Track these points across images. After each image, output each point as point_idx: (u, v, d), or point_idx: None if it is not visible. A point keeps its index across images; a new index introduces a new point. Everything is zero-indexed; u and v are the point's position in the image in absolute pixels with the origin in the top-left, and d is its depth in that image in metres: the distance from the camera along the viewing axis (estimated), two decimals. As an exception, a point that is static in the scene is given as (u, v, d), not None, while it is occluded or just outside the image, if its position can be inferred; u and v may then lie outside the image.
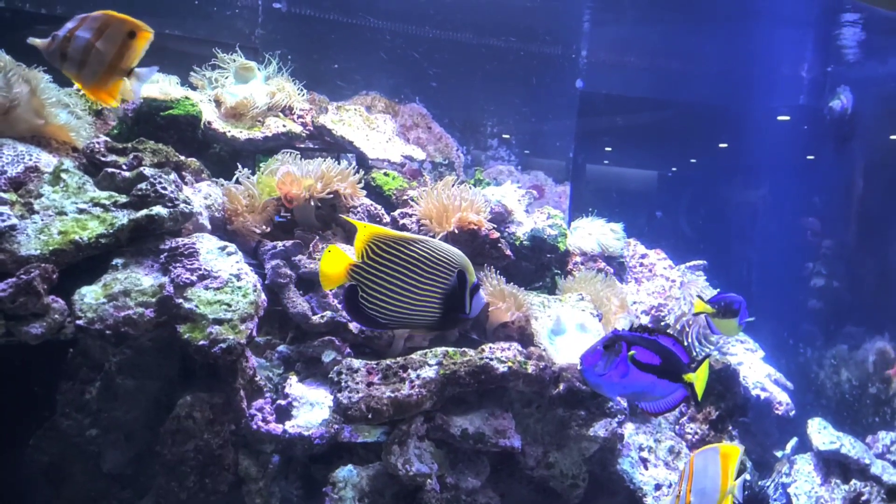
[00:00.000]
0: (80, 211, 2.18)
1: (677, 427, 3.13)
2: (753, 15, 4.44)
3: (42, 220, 2.12)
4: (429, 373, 2.34)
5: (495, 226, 2.92)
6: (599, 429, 2.61)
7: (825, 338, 4.70)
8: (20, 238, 2.04)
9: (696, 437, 3.08)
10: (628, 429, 2.90)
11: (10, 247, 2.01)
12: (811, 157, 5.36)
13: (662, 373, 1.95)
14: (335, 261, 1.85)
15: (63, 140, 2.46)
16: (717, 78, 5.02)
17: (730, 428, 3.08)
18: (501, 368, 2.41)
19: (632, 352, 1.89)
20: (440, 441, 2.35)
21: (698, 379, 1.99)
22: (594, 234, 3.48)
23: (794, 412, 3.32)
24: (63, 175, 2.24)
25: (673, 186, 5.50)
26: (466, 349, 2.47)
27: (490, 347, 2.52)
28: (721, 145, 5.44)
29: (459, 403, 2.46)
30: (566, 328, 2.78)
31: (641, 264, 3.64)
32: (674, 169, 5.47)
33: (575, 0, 3.92)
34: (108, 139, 2.41)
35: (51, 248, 2.06)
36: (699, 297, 2.86)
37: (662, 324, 3.26)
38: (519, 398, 2.61)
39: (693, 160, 5.58)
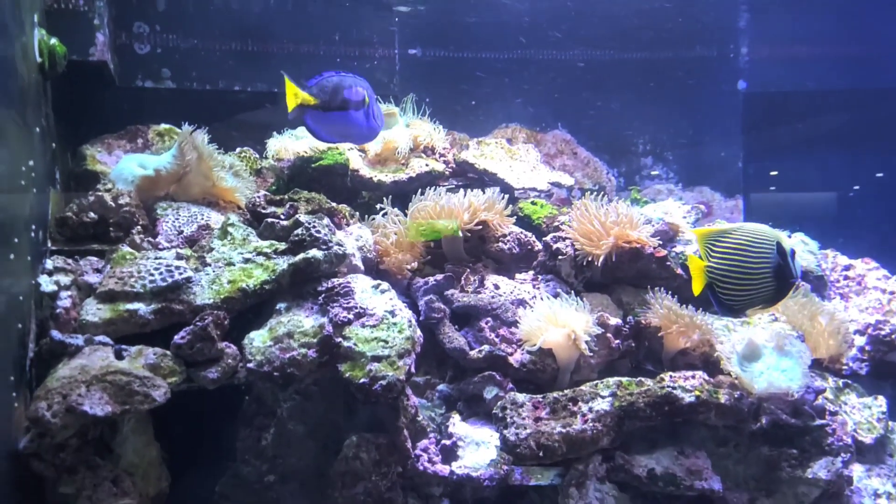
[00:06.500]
0: (246, 260, 2.29)
1: (923, 470, 2.54)
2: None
3: (213, 271, 2.25)
4: (602, 405, 2.10)
5: (661, 242, 2.65)
6: (819, 470, 2.21)
7: None
8: (195, 289, 2.17)
9: (952, 482, 2.47)
10: (856, 470, 2.40)
11: (187, 297, 2.14)
12: None
13: None
14: (694, 266, 2.12)
15: (229, 200, 2.64)
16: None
17: None
18: (688, 398, 2.11)
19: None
20: (623, 483, 2.09)
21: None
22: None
23: None
24: (230, 229, 2.38)
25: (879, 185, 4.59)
26: (643, 378, 2.22)
27: (671, 376, 2.24)
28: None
29: (640, 440, 2.18)
30: (761, 353, 2.41)
31: (846, 277, 3.12)
32: (880, 175, 4.60)
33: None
34: (267, 193, 2.54)
35: (221, 296, 2.17)
36: None
37: None
38: (711, 435, 2.28)
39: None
